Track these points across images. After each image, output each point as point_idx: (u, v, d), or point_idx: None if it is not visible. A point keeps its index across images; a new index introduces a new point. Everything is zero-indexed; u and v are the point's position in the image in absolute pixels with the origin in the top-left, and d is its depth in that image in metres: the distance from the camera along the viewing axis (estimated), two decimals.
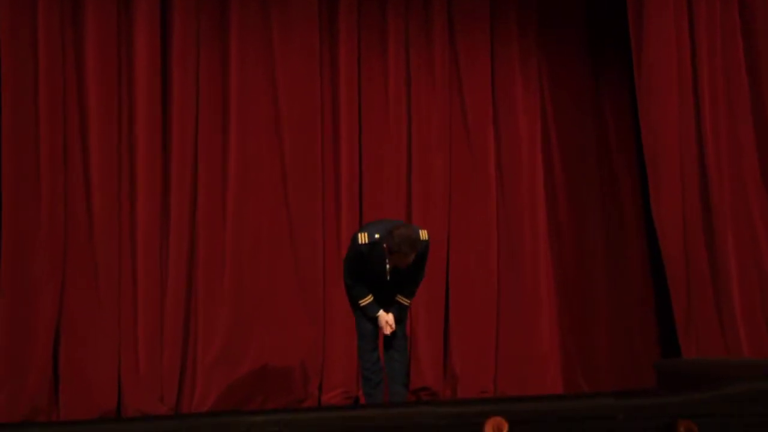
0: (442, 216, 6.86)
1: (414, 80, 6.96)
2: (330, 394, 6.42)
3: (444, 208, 6.90)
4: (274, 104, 6.67)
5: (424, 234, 5.30)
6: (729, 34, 6.56)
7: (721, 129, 6.42)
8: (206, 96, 6.52)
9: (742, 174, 6.40)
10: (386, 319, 5.36)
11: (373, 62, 6.91)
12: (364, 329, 5.46)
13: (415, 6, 6.99)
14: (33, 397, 5.78)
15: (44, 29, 6.06)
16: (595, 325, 7.03)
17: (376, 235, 5.25)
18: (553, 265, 7.07)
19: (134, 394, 6.04)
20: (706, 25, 6.51)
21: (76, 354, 5.98)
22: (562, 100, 7.31)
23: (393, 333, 5.44)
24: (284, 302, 6.48)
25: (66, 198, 6.09)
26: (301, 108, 6.68)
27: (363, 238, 5.29)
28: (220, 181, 6.51)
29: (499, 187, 7.06)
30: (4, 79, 5.95)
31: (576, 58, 7.37)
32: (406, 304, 5.48)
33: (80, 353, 5.98)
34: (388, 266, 5.26)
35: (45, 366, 5.87)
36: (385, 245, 5.18)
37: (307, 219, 6.62)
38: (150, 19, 6.34)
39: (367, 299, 5.36)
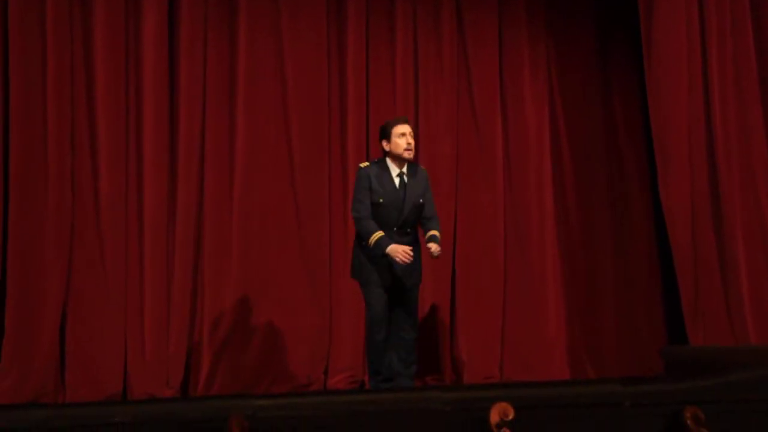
0: (449, 203, 6.84)
1: (422, 67, 6.95)
2: (336, 378, 6.42)
3: (451, 194, 6.89)
4: (281, 89, 6.67)
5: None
6: (739, 19, 6.50)
7: (730, 116, 6.38)
8: (214, 81, 6.52)
9: (751, 162, 6.36)
10: (401, 248, 5.28)
11: (381, 48, 6.90)
12: (374, 308, 5.40)
13: None
14: (40, 379, 5.81)
15: (53, 16, 6.06)
16: (602, 312, 7.02)
17: (376, 159, 5.56)
18: (560, 252, 7.05)
19: (141, 377, 6.06)
20: (716, 10, 6.47)
21: (83, 337, 6.01)
22: (570, 87, 7.28)
23: (404, 323, 5.45)
24: (291, 286, 6.49)
25: (73, 182, 6.10)
26: (308, 93, 6.68)
27: (364, 163, 5.56)
28: (227, 166, 6.52)
29: (506, 174, 7.05)
30: (13, 66, 5.97)
31: (584, 44, 7.34)
32: (437, 234, 5.48)
33: (87, 336, 6.00)
34: (396, 177, 5.45)
35: (52, 349, 5.89)
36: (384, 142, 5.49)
37: (314, 204, 6.62)
38: (158, 3, 6.34)
39: (377, 234, 5.32)
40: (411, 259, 5.29)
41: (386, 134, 5.49)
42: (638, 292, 7.06)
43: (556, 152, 7.17)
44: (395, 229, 5.41)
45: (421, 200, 5.51)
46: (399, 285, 5.42)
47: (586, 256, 7.10)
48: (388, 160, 5.49)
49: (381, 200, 5.40)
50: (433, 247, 5.38)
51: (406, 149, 5.44)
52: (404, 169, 5.49)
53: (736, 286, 6.20)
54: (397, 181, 5.46)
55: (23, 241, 5.89)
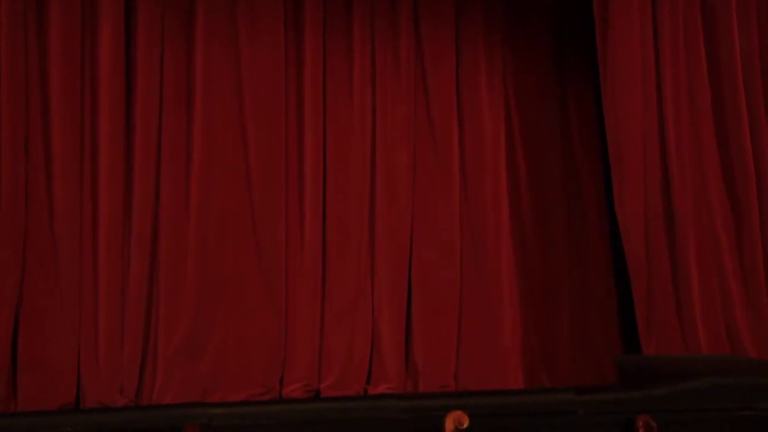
0: (405, 211, 6.85)
1: (379, 75, 6.94)
2: (291, 387, 6.37)
3: (408, 203, 6.88)
4: (238, 98, 6.63)
5: None
6: (691, 34, 6.63)
7: (684, 130, 6.48)
8: (170, 88, 6.47)
9: (704, 175, 6.47)
10: None
11: (339, 57, 6.88)
12: None
13: (380, 1, 7.00)
14: None
15: (6, 23, 5.99)
16: (558, 321, 7.05)
17: None
18: (516, 261, 7.06)
19: (94, 385, 5.98)
20: (670, 26, 6.58)
21: (35, 344, 5.92)
22: (526, 99, 7.31)
23: None
24: (247, 294, 6.45)
25: (27, 187, 6.02)
26: (265, 102, 6.64)
27: None
28: (184, 173, 6.46)
29: (462, 183, 7.06)
30: None
31: (541, 55, 7.38)
32: None
33: (39, 344, 5.91)
34: None
35: (3, 357, 5.80)
36: None
37: (271, 212, 6.58)
38: (115, 10, 6.30)
39: None
40: None
41: None
42: (594, 302, 7.11)
43: (511, 163, 7.19)
44: None
45: None
46: None
47: (542, 267, 7.12)
48: None
49: None
50: None
51: None
52: None
53: (688, 297, 6.29)
54: None
55: None
